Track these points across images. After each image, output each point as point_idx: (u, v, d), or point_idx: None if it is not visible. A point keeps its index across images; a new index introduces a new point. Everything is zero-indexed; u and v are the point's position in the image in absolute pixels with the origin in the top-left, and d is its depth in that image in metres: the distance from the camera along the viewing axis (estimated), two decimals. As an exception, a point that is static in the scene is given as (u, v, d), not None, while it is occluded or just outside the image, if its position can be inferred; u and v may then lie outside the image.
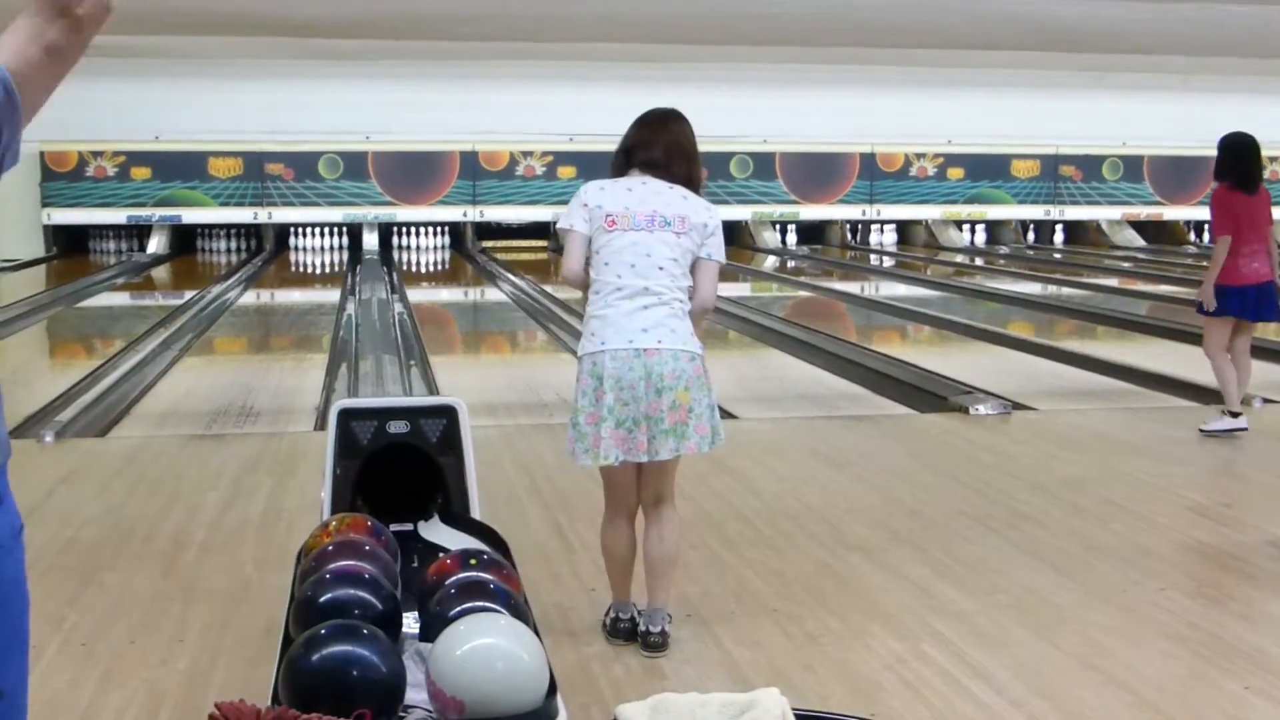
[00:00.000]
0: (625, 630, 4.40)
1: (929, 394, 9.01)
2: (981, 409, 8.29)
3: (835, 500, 6.23)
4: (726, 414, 8.29)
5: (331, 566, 3.08)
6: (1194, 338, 11.87)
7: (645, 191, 4.30)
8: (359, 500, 4.09)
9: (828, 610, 4.70)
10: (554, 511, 6.04)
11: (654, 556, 4.40)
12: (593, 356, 4.23)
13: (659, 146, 4.36)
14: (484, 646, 2.77)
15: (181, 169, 21.73)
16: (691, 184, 4.39)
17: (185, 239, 22.57)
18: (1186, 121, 23.51)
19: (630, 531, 4.48)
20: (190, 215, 22.01)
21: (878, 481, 6.64)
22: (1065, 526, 5.78)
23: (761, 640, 4.40)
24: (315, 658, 2.68)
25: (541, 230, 23.13)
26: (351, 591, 2.99)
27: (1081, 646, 4.33)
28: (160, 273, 20.30)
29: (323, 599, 2.96)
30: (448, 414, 4.13)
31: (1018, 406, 8.50)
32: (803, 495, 6.32)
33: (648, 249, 4.23)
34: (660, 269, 4.23)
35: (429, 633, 3.02)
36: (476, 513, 4.14)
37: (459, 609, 2.99)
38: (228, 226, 22.65)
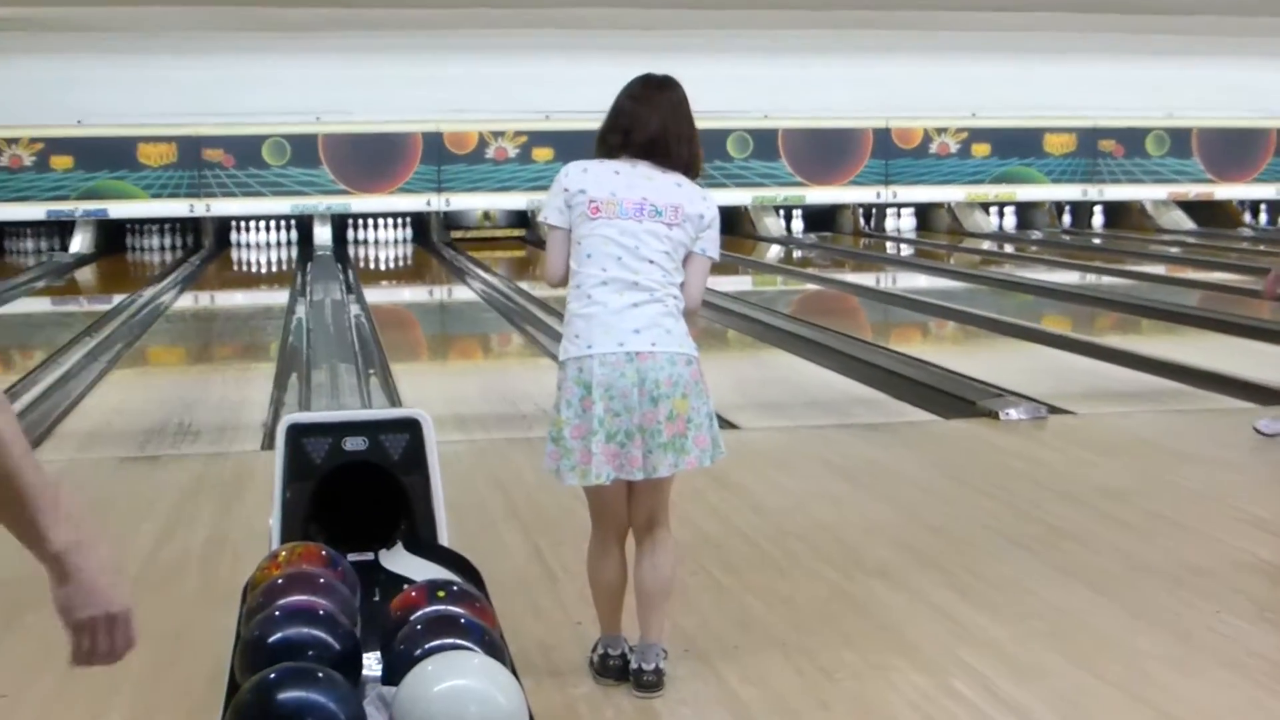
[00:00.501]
0: (616, 668, 4.39)
1: (953, 398, 9.03)
2: (1013, 413, 8.32)
3: (850, 518, 6.25)
4: (726, 423, 8.32)
5: (282, 603, 3.08)
6: (1250, 331, 11.96)
7: (634, 175, 4.25)
8: (312, 527, 4.09)
9: (843, 641, 4.71)
10: (534, 535, 6.05)
11: (647, 586, 4.38)
12: (578, 361, 4.17)
13: (654, 123, 4.27)
14: (455, 689, 2.78)
15: (108, 157, 21.67)
16: (691, 169, 4.34)
17: (113, 236, 22.51)
18: (1239, 89, 23.61)
19: (621, 557, 4.46)
20: (118, 209, 21.97)
21: (897, 496, 6.66)
22: (1106, 543, 5.80)
23: (769, 676, 4.42)
24: (265, 706, 2.68)
25: (519, 219, 23.17)
26: (305, 630, 2.99)
27: (1126, 676, 4.35)
28: (85, 274, 20.27)
29: (272, 639, 2.96)
30: (411, 428, 4.13)
31: (1053, 410, 8.53)
32: (813, 512, 6.34)
33: (636, 240, 4.19)
34: (650, 262, 4.18)
35: (393, 675, 3.03)
36: (445, 539, 4.14)
37: (426, 647, 2.99)
38: (161, 221, 22.59)
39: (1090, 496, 6.53)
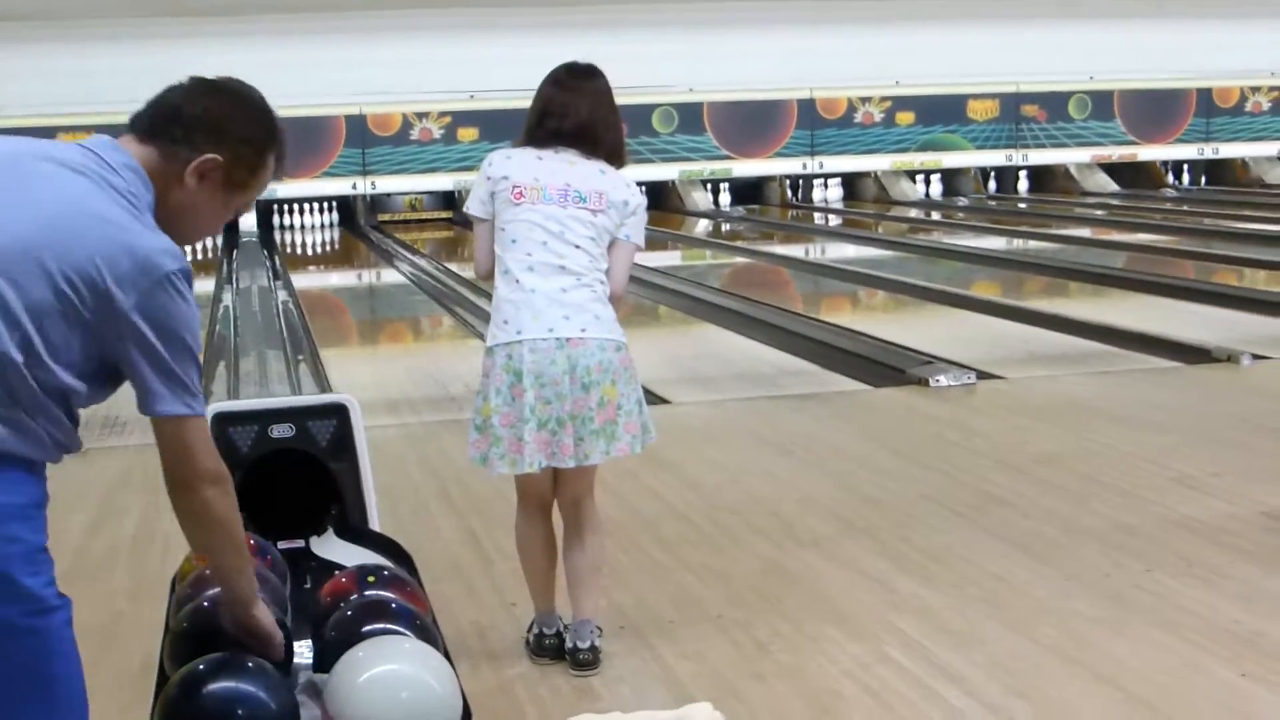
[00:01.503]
0: (552, 647, 4.39)
1: (884, 366, 9.07)
2: (943, 380, 8.36)
3: (783, 490, 6.26)
4: (658, 399, 8.36)
5: (210, 593, 3.05)
6: (1176, 291, 12.08)
7: (558, 162, 4.26)
8: (241, 516, 4.05)
9: (778, 614, 4.72)
10: (467, 518, 6.02)
11: (576, 563, 4.40)
12: (507, 348, 4.16)
13: (582, 111, 4.28)
14: (386, 674, 2.76)
15: (28, 147, 21.40)
16: (616, 156, 4.35)
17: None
18: (1160, 51, 23.79)
19: (548, 530, 4.47)
20: (41, 200, 21.69)
21: (830, 467, 6.67)
22: (1039, 507, 5.84)
23: (705, 651, 4.42)
24: (194, 698, 2.66)
25: (446, 201, 23.05)
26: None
27: (1062, 639, 4.38)
28: (8, 268, 20.01)
29: (200, 630, 2.94)
30: (338, 413, 4.10)
31: (983, 376, 8.58)
32: (747, 486, 6.35)
33: (561, 225, 4.20)
34: (576, 247, 4.20)
35: (324, 661, 3.00)
36: (376, 523, 4.11)
37: (357, 633, 2.97)
38: (84, 211, 22.33)
39: (1022, 461, 6.57)
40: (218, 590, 3.07)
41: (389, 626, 3.01)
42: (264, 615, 2.87)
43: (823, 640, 4.46)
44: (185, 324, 2.61)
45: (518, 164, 4.27)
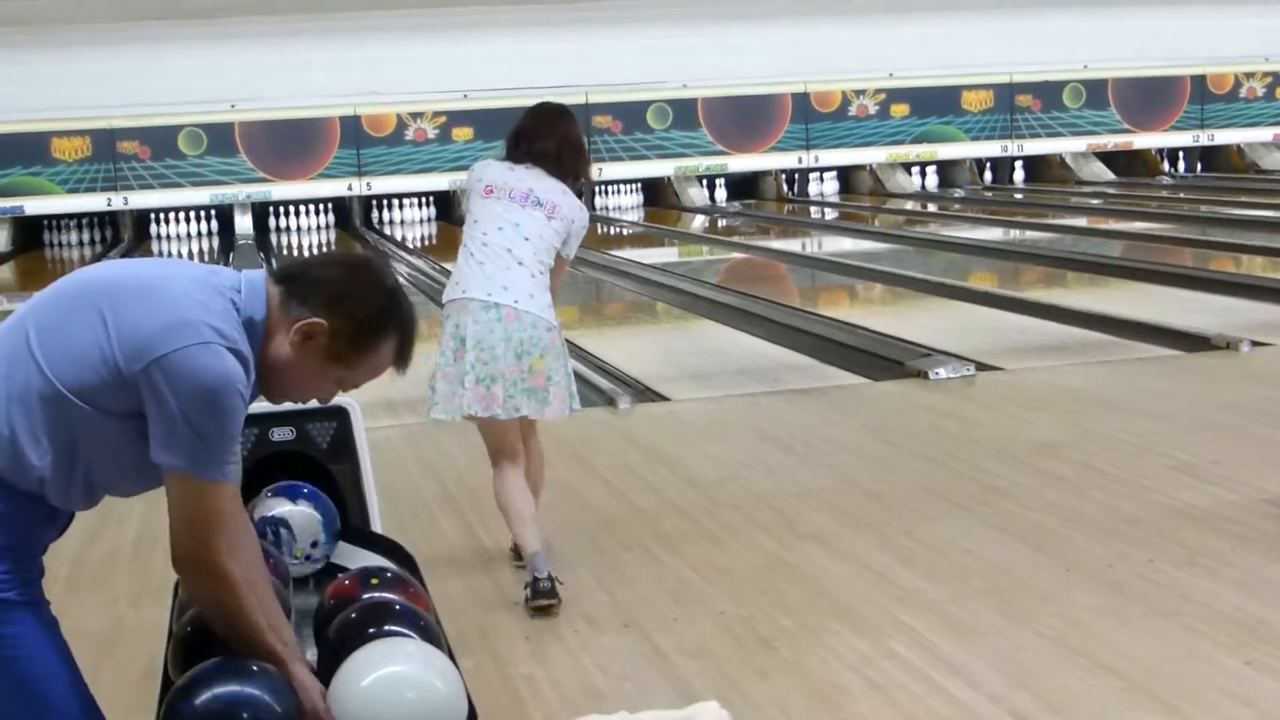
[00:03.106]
0: (547, 590, 4.79)
1: (883, 359, 9.08)
2: (942, 372, 8.36)
3: (784, 485, 6.27)
4: (657, 396, 8.37)
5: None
6: (1173, 279, 12.08)
7: (527, 175, 5.08)
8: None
9: (781, 609, 4.73)
10: (468, 517, 6.03)
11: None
12: (455, 305, 5.04)
13: (552, 138, 5.13)
14: (391, 676, 2.76)
15: (20, 153, 21.35)
16: (576, 179, 5.17)
17: (30, 233, 22.21)
18: (1152, 38, 23.75)
19: (521, 481, 5.11)
20: (34, 205, 21.66)
21: (830, 461, 6.69)
22: (1040, 498, 5.84)
23: (708, 647, 4.43)
24: (198, 702, 2.65)
25: (444, 202, 23.02)
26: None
27: (1064, 630, 4.39)
28: (4, 273, 20.02)
29: (204, 636, 2.94)
30: (338, 416, 4.10)
31: (982, 367, 8.58)
32: (747, 482, 6.35)
33: (517, 220, 5.02)
34: (526, 239, 5.01)
35: (328, 664, 3.00)
36: (378, 525, 4.12)
37: (361, 636, 2.97)
38: (78, 216, 22.29)
39: (1023, 452, 6.58)
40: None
41: (393, 628, 3.01)
42: (303, 678, 2.84)
43: (826, 635, 4.47)
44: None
45: (494, 170, 5.13)
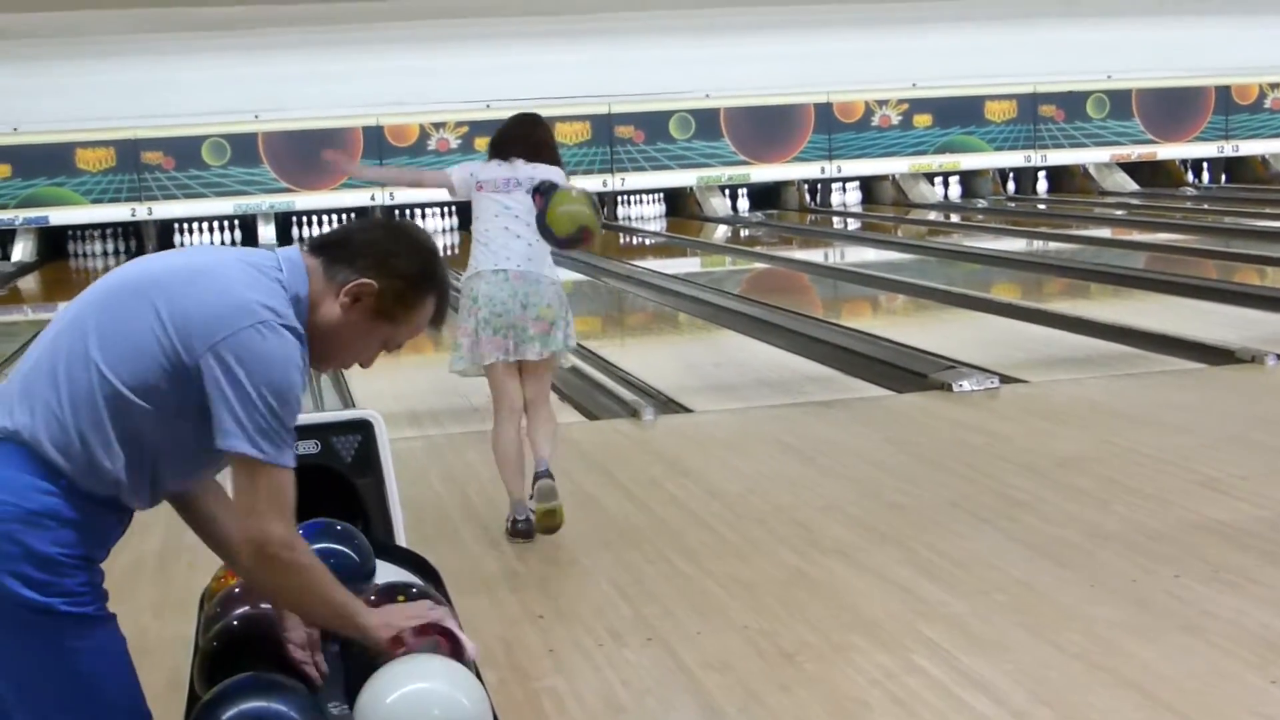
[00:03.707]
0: (524, 530, 5.83)
1: (906, 371, 9.06)
2: (966, 385, 8.35)
3: (807, 498, 6.26)
4: (680, 407, 8.38)
5: (238, 612, 3.07)
6: (1197, 291, 12.04)
7: (506, 167, 6.05)
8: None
9: (804, 623, 4.73)
10: (491, 530, 6.04)
11: (535, 433, 5.98)
12: (470, 279, 5.99)
13: (525, 135, 6.12)
14: (416, 693, 2.76)
15: (46, 164, 21.47)
16: (553, 162, 6.13)
17: (55, 243, 22.31)
18: (1177, 49, 23.71)
19: (516, 433, 5.97)
20: (59, 216, 21.77)
21: (854, 474, 6.68)
22: (1064, 512, 5.83)
23: (731, 661, 4.43)
24: (225, 717, 2.67)
25: (466, 212, 23.06)
26: (263, 640, 2.97)
27: (1088, 646, 4.38)
28: (28, 283, 20.10)
29: (230, 650, 2.95)
30: (363, 429, 4.11)
31: (1006, 379, 8.56)
32: (770, 495, 6.35)
33: (506, 203, 5.99)
34: (517, 216, 5.97)
35: (354, 680, 3.01)
36: (402, 539, 4.12)
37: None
38: (103, 226, 22.38)
39: (1046, 466, 6.56)
40: (247, 609, 3.09)
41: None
42: (398, 616, 2.91)
43: (849, 649, 4.47)
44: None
45: (481, 168, 6.13)
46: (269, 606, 3.07)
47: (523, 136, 6.11)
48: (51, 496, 2.65)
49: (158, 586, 5.43)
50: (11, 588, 2.60)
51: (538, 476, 5.79)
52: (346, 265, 2.81)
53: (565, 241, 5.80)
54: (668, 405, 8.52)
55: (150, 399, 2.66)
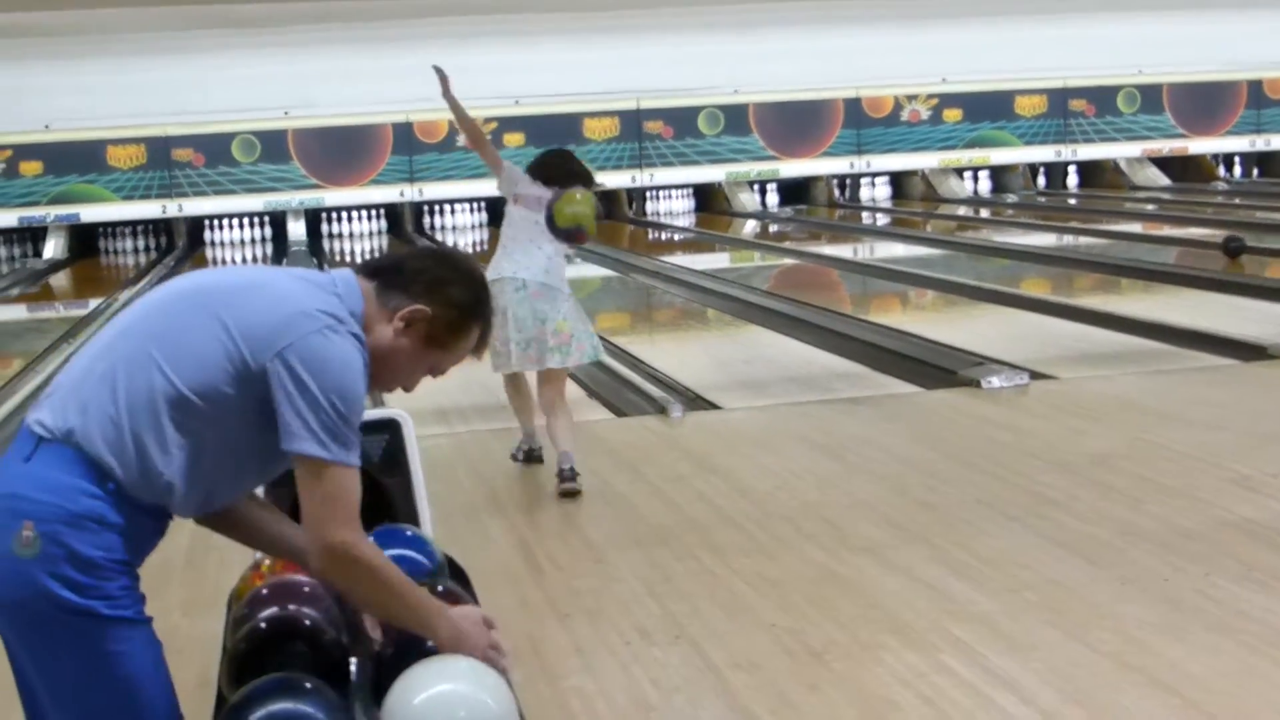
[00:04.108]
0: (536, 457, 7.02)
1: (935, 368, 9.02)
2: (995, 382, 8.32)
3: (835, 496, 6.25)
4: (708, 404, 8.36)
5: (265, 614, 3.07)
6: (1229, 286, 11.98)
7: (542, 188, 6.80)
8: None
9: (833, 622, 4.71)
10: (519, 528, 6.04)
11: (554, 428, 6.62)
12: (494, 284, 6.50)
13: (558, 165, 6.91)
14: (443, 695, 2.76)
15: (77, 161, 21.58)
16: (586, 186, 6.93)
17: (86, 240, 22.42)
18: (1207, 43, 23.59)
19: (526, 388, 7.02)
20: (90, 213, 21.88)
21: (882, 471, 6.66)
22: (1095, 510, 5.80)
23: (760, 660, 4.42)
24: (253, 719, 2.67)
25: (495, 207, 23.05)
26: (291, 642, 2.98)
27: (1118, 645, 4.36)
28: (60, 280, 20.19)
29: (258, 652, 2.95)
30: (390, 429, 4.11)
31: (1035, 376, 8.52)
32: (798, 492, 6.34)
33: (537, 219, 6.75)
34: (541, 231, 6.73)
35: (380, 681, 3.01)
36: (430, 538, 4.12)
37: (414, 652, 2.97)
38: (133, 223, 22.50)
39: (1077, 463, 6.53)
40: (275, 609, 3.10)
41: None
42: (472, 633, 2.99)
43: (878, 649, 4.45)
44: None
45: (523, 184, 6.87)
46: (296, 608, 3.08)
47: (565, 169, 6.85)
48: (97, 500, 2.68)
49: (187, 585, 5.44)
50: (53, 589, 2.63)
51: (562, 476, 6.44)
52: (400, 291, 2.88)
53: (562, 234, 6.72)
54: (696, 402, 8.51)
55: (215, 403, 2.70)
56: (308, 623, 3.05)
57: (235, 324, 2.71)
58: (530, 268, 6.66)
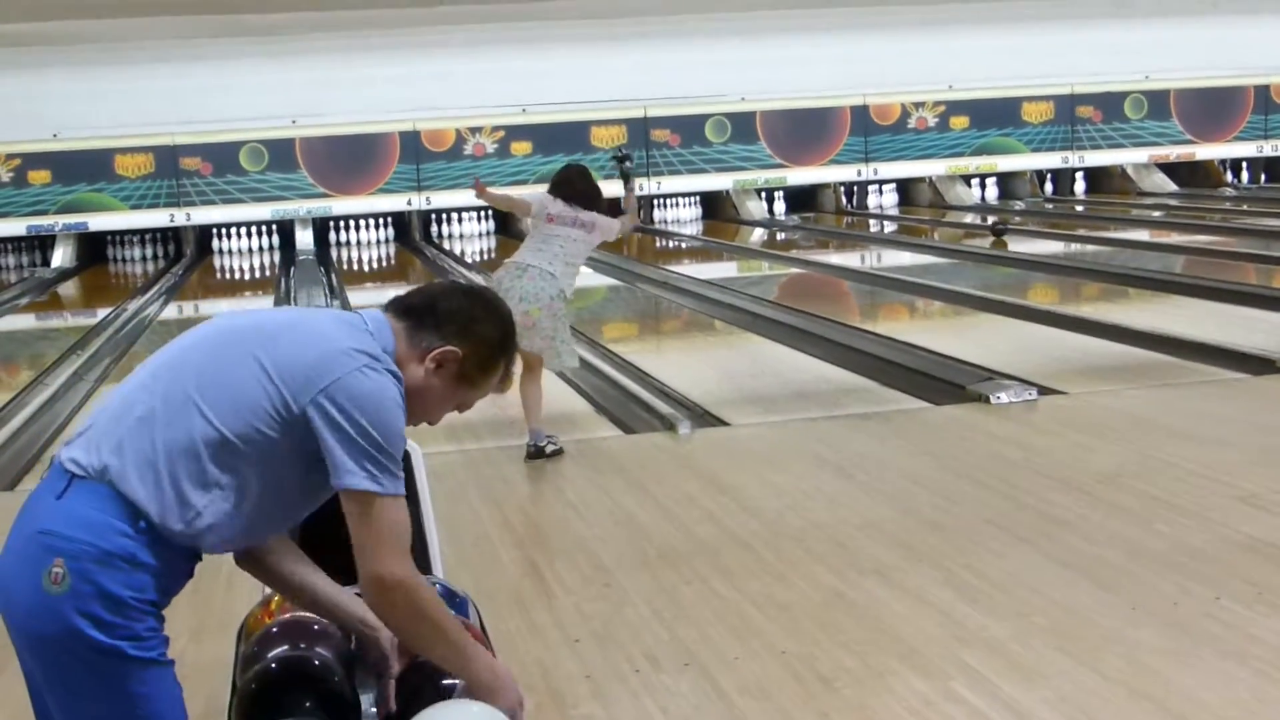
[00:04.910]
0: (555, 451, 7.57)
1: (944, 382, 8.99)
2: (1004, 397, 8.29)
3: (844, 515, 6.23)
4: (717, 420, 8.34)
5: (274, 653, 3.06)
6: (1237, 296, 11.94)
7: (572, 209, 7.68)
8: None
9: (843, 647, 4.69)
10: (528, 549, 6.03)
11: (526, 398, 7.53)
12: (502, 267, 7.72)
13: (584, 188, 7.78)
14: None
15: (85, 169, 21.63)
16: (600, 209, 7.80)
17: (94, 248, 22.48)
18: (1215, 48, 23.58)
19: (539, 384, 7.62)
20: (98, 221, 21.93)
21: (891, 490, 6.64)
22: (1103, 530, 5.78)
23: (770, 687, 4.40)
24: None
25: (503, 216, 23.06)
26: (300, 683, 2.98)
27: (1129, 672, 4.34)
28: (68, 288, 20.22)
29: (268, 694, 2.95)
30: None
31: (1044, 390, 8.50)
32: (807, 512, 6.32)
33: (571, 234, 7.63)
34: (561, 246, 7.60)
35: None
36: (439, 570, 4.10)
37: (425, 689, 2.97)
38: (142, 232, 22.57)
39: (1086, 482, 6.51)
40: (284, 649, 3.09)
41: (454, 682, 3.00)
42: (507, 685, 3.01)
43: (888, 675, 4.43)
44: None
45: (554, 205, 7.69)
46: (307, 647, 3.07)
47: (586, 191, 7.75)
48: (129, 539, 2.70)
49: (195, 611, 5.41)
50: (80, 627, 2.65)
51: (528, 453, 7.54)
52: (432, 331, 2.94)
53: None
54: (704, 418, 8.49)
55: (255, 445, 2.74)
56: (317, 663, 3.05)
57: (273, 365, 2.75)
58: (541, 261, 7.50)
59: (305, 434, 2.74)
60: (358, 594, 2.96)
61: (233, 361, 2.78)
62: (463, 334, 2.95)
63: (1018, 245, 18.29)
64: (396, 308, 2.99)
